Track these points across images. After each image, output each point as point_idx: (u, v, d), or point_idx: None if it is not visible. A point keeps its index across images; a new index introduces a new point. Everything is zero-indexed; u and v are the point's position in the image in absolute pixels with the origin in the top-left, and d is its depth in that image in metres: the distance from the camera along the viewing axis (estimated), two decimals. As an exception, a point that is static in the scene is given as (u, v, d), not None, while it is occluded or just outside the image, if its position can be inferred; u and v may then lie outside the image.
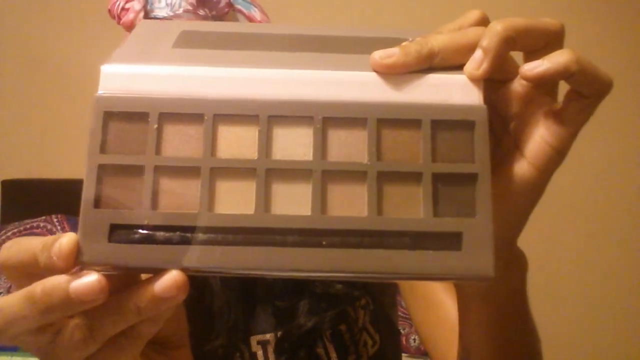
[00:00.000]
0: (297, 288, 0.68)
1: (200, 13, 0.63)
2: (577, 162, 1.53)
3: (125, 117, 0.29)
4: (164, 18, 0.63)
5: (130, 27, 0.64)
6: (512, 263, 0.37)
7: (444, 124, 0.28)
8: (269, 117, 0.28)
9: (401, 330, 1.37)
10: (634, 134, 1.52)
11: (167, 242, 0.27)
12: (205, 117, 0.28)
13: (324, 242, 0.27)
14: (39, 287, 0.27)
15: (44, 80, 1.82)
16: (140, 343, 0.31)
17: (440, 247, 0.27)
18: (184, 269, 0.27)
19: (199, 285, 0.69)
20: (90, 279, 0.27)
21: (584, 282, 1.53)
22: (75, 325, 0.29)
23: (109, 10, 0.65)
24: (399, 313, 1.39)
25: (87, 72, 1.81)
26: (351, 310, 0.70)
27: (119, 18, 0.64)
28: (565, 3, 1.53)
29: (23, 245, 0.30)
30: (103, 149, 0.29)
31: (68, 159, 1.82)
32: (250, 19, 0.68)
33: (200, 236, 0.27)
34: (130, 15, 0.63)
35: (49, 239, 0.29)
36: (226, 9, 0.65)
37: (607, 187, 1.52)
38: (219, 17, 0.64)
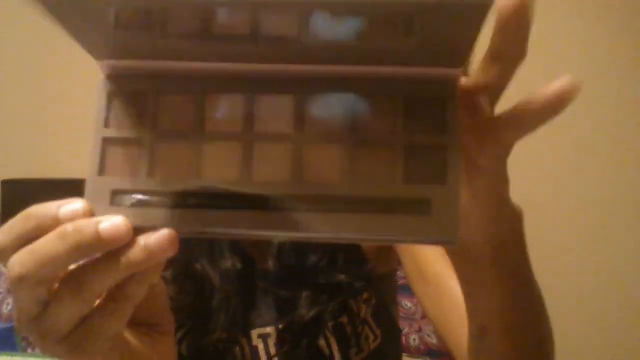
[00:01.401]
0: (298, 278, 0.69)
1: None
2: (578, 162, 1.53)
3: (126, 97, 0.32)
4: None
5: None
6: (499, 218, 0.38)
7: (418, 98, 0.30)
8: (254, 84, 0.30)
9: (402, 330, 1.37)
10: (635, 134, 1.51)
11: (161, 206, 0.30)
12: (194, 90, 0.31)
13: (301, 207, 0.29)
14: (70, 226, 0.29)
15: (44, 80, 1.82)
16: (129, 308, 0.32)
17: (410, 212, 0.29)
18: (177, 230, 0.29)
19: (198, 280, 0.69)
20: (117, 219, 0.29)
21: (585, 283, 1.53)
22: (64, 282, 0.30)
23: None
24: (400, 313, 1.39)
25: (87, 72, 1.81)
26: (353, 303, 0.70)
27: None
28: (566, 3, 1.53)
29: (32, 215, 0.32)
30: (107, 124, 0.32)
31: (68, 159, 1.82)
32: None
33: (192, 200, 0.30)
34: None
35: (60, 204, 0.32)
36: None
37: (610, 187, 1.52)
38: None
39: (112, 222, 0.29)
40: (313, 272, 0.68)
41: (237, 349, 0.70)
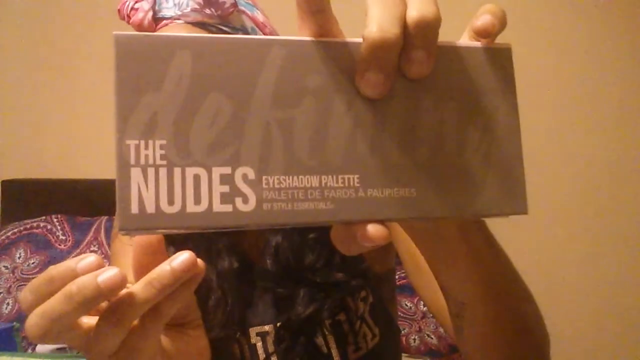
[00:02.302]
0: (296, 277, 0.69)
1: (207, 12, 0.64)
2: (578, 163, 1.53)
3: None
4: (172, 18, 0.64)
5: (139, 26, 0.64)
6: None
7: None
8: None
9: (401, 330, 1.37)
10: (634, 133, 1.52)
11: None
12: None
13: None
14: (74, 285, 0.31)
15: (44, 80, 1.82)
16: (163, 322, 0.34)
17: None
18: (206, 228, 0.26)
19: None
20: (113, 271, 0.31)
21: (585, 284, 1.53)
22: (104, 317, 0.33)
23: (119, 10, 0.66)
24: (400, 314, 1.39)
25: (87, 72, 1.81)
26: (350, 300, 0.70)
27: (129, 17, 0.65)
28: (567, 3, 1.53)
29: (54, 277, 0.33)
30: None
31: (68, 159, 1.82)
32: (254, 20, 0.69)
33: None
34: (139, 15, 0.64)
35: (77, 260, 0.33)
36: (231, 9, 0.65)
37: (609, 187, 1.52)
38: (224, 17, 0.65)
39: (109, 274, 0.31)
40: (310, 271, 0.68)
41: (236, 346, 0.71)
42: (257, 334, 0.71)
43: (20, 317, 1.43)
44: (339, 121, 0.27)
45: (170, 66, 0.26)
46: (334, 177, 0.27)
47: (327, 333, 0.68)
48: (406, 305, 1.39)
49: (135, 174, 0.25)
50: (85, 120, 1.79)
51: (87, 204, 1.62)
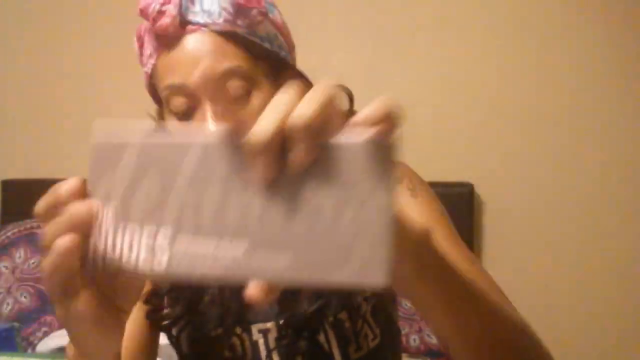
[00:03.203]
0: None
1: (237, 22, 0.64)
2: (578, 162, 1.53)
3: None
4: (199, 24, 0.63)
5: (164, 31, 0.63)
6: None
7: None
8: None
9: (401, 331, 1.37)
10: (634, 134, 1.52)
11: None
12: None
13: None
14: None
15: (44, 80, 1.82)
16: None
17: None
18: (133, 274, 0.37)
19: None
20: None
21: (585, 284, 1.53)
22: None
23: (142, 10, 0.64)
24: (399, 313, 1.39)
25: (88, 72, 1.81)
26: (353, 299, 0.71)
27: (154, 21, 0.63)
28: (566, 3, 1.53)
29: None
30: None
31: (68, 159, 1.82)
32: (275, 24, 0.69)
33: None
34: (166, 20, 0.63)
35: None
36: (259, 19, 0.65)
37: (608, 187, 1.52)
38: (253, 27, 0.65)
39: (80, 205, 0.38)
40: None
41: (237, 342, 0.71)
42: (259, 331, 0.71)
43: (20, 317, 1.44)
44: (236, 200, 0.35)
45: (122, 160, 0.38)
46: (230, 241, 0.35)
47: (328, 330, 0.69)
48: (406, 305, 1.39)
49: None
50: (85, 120, 1.79)
51: (87, 204, 1.62)
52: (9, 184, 1.75)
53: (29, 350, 1.38)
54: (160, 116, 0.72)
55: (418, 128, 1.48)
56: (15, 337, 1.32)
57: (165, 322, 0.71)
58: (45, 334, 1.42)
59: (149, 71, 0.67)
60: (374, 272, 0.33)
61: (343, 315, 0.70)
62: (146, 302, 0.71)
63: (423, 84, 1.59)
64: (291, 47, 0.71)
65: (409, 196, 0.70)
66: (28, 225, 1.57)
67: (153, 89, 0.70)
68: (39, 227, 1.56)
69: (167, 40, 0.64)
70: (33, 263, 1.52)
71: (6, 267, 1.51)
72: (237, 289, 0.71)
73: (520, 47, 1.55)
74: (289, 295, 0.69)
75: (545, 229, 1.54)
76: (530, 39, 1.54)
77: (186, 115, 0.64)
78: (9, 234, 1.56)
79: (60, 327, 1.42)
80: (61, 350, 1.35)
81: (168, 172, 0.37)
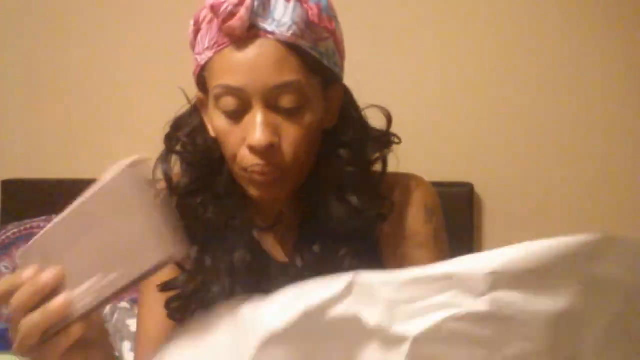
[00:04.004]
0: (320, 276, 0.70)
1: (305, 37, 0.65)
2: (579, 162, 1.53)
3: None
4: (266, 32, 0.64)
5: (233, 31, 0.64)
6: None
7: None
8: None
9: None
10: (634, 134, 1.51)
11: None
12: None
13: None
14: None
15: (44, 80, 1.82)
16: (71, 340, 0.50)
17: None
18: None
19: (204, 270, 0.72)
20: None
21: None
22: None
23: (212, 7, 0.65)
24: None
25: (88, 72, 1.80)
26: None
27: (224, 21, 0.64)
28: (565, 2, 1.53)
29: None
30: None
31: (68, 159, 1.82)
32: (335, 37, 0.70)
33: None
34: (236, 22, 0.63)
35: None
36: (325, 36, 0.67)
37: (609, 187, 1.52)
38: (317, 43, 0.66)
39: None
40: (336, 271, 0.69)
41: None
42: None
43: (20, 317, 1.44)
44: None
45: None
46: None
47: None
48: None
49: None
50: (85, 120, 1.79)
51: (87, 204, 1.61)
52: (9, 184, 1.75)
53: (29, 350, 1.38)
54: (202, 104, 0.73)
55: (418, 128, 1.48)
56: (15, 337, 1.31)
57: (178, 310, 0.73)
58: (45, 334, 1.42)
59: (203, 62, 0.68)
60: (165, 247, 0.46)
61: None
62: (162, 290, 0.73)
63: (423, 83, 1.59)
64: (343, 61, 0.73)
65: (423, 222, 0.76)
66: (28, 225, 1.57)
67: (200, 79, 0.71)
68: (39, 227, 1.57)
69: (231, 40, 0.64)
70: (33, 263, 1.52)
71: (6, 267, 1.51)
72: (252, 284, 0.72)
73: (521, 46, 1.55)
74: None
75: (545, 229, 1.54)
76: (530, 38, 1.54)
77: (234, 114, 0.66)
78: (9, 234, 1.56)
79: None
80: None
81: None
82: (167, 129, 0.76)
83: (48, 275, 0.50)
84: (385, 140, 0.77)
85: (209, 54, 0.66)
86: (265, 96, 0.64)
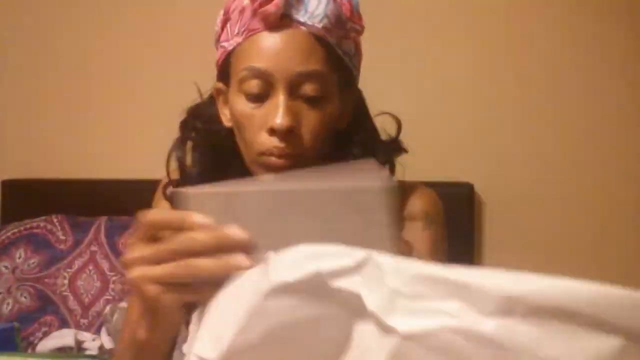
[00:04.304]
0: None
1: (334, 32, 0.68)
2: (579, 162, 1.53)
3: None
4: (298, 22, 0.67)
5: (268, 16, 0.66)
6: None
7: None
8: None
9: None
10: (636, 134, 1.51)
11: None
12: None
13: None
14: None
15: (44, 80, 1.82)
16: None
17: None
18: None
19: None
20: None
21: (587, 281, 1.53)
22: None
23: None
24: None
25: (87, 72, 1.80)
26: None
27: (260, 5, 0.66)
28: (569, 3, 1.53)
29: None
30: None
31: (68, 159, 1.82)
32: (355, 41, 0.74)
33: None
34: (271, 8, 0.66)
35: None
36: (352, 34, 0.71)
37: (609, 187, 1.52)
38: (342, 39, 0.70)
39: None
40: None
41: None
42: None
43: (20, 317, 1.44)
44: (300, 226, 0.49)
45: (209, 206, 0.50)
46: None
47: None
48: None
49: None
50: (85, 120, 1.79)
51: (87, 204, 1.62)
52: (9, 184, 1.75)
53: (29, 350, 1.38)
54: (219, 93, 0.75)
55: (418, 128, 1.48)
56: (15, 337, 1.31)
57: None
58: (45, 334, 1.42)
59: (231, 48, 0.70)
60: None
61: None
62: None
63: (423, 83, 1.59)
64: (359, 68, 0.76)
65: (420, 230, 0.76)
66: (28, 225, 1.57)
67: (224, 66, 0.72)
68: (38, 227, 1.57)
69: (264, 26, 0.67)
70: (33, 263, 1.51)
71: (6, 267, 1.51)
72: None
73: (521, 46, 1.55)
74: None
75: (545, 229, 1.54)
76: (530, 39, 1.54)
77: (257, 98, 0.68)
78: (9, 234, 1.56)
79: (59, 328, 1.42)
80: (61, 350, 1.35)
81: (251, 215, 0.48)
82: (184, 116, 0.78)
83: (242, 236, 0.45)
84: (394, 147, 0.78)
85: (239, 39, 0.69)
86: (289, 82, 0.66)
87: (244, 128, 0.69)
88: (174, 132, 0.79)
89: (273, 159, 0.67)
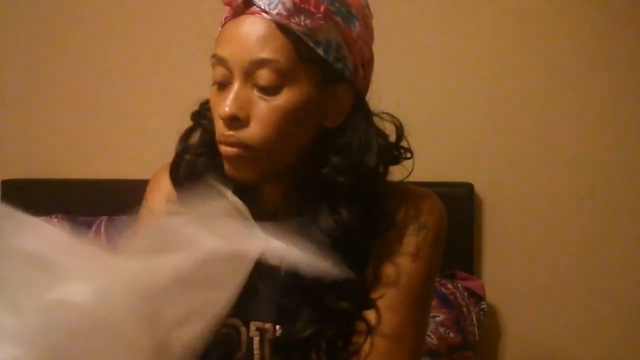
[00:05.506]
0: (303, 292, 0.68)
1: (294, 19, 0.65)
2: (579, 162, 1.53)
3: None
4: (260, 9, 0.66)
5: (228, 5, 0.67)
6: None
7: None
8: None
9: None
10: (637, 134, 1.51)
11: None
12: None
13: None
14: None
15: (45, 80, 1.82)
16: None
17: None
18: None
19: None
20: None
21: (586, 284, 1.53)
22: None
23: None
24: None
25: (87, 72, 1.80)
26: (350, 330, 0.70)
27: None
28: (570, 3, 1.52)
29: None
30: None
31: (68, 159, 1.81)
32: (344, 34, 0.69)
33: None
34: None
35: None
36: (321, 22, 0.66)
37: (609, 187, 1.52)
38: (312, 29, 0.66)
39: None
40: (319, 290, 0.67)
41: (235, 335, 0.72)
42: (257, 329, 0.72)
43: (20, 317, 1.43)
44: None
45: None
46: None
47: (322, 356, 0.68)
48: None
49: None
50: (85, 120, 1.79)
51: (87, 204, 1.62)
52: (9, 184, 1.75)
53: (29, 350, 1.38)
54: None
55: (418, 128, 1.47)
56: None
57: None
58: (45, 334, 1.42)
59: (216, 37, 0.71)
60: None
61: (339, 344, 0.70)
62: None
63: (423, 83, 1.59)
64: (359, 65, 0.72)
65: (409, 234, 0.73)
66: (28, 225, 1.57)
67: None
68: (39, 227, 1.56)
69: (232, 14, 0.68)
70: (33, 263, 1.51)
71: (6, 267, 1.51)
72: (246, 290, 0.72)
73: (522, 46, 1.55)
74: (289, 307, 0.69)
75: (545, 229, 1.54)
76: (532, 39, 1.54)
77: (221, 86, 0.68)
78: (9, 234, 1.56)
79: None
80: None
81: None
82: (196, 108, 0.79)
83: None
84: (390, 154, 0.75)
85: (219, 28, 0.70)
86: (244, 69, 0.66)
87: (213, 116, 0.70)
88: (174, 132, 0.79)
89: (223, 147, 0.68)
